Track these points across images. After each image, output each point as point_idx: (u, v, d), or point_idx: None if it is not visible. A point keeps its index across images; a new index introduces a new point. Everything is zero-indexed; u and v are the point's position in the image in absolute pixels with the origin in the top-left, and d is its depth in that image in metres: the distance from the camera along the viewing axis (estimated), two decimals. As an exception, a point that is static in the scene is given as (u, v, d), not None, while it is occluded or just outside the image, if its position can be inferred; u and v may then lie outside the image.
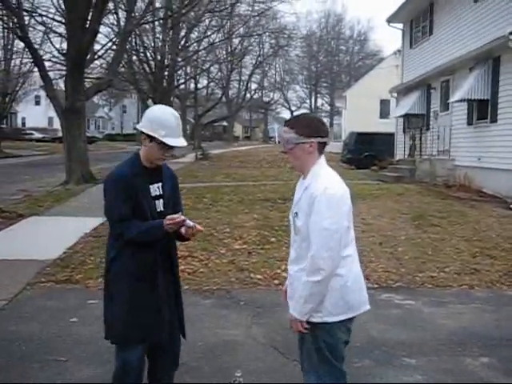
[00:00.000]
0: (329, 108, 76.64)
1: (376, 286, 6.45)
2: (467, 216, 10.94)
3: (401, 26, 22.86)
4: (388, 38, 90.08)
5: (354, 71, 72.06)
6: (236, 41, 44.64)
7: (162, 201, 3.31)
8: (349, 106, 42.32)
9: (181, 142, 3.23)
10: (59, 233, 9.22)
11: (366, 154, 24.44)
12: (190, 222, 3.13)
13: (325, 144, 2.90)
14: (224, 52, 47.60)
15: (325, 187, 2.73)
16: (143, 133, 3.22)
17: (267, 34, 41.75)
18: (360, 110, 37.90)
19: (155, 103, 34.21)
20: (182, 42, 34.25)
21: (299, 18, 76.23)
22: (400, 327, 5.18)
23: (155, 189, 3.29)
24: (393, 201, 12.73)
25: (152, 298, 3.21)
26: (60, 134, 38.93)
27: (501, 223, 10.37)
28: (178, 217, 3.11)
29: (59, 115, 17.75)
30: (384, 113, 37.12)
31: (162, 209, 3.30)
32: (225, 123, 70.98)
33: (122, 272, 3.21)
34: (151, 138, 3.19)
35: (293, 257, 2.94)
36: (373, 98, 37.75)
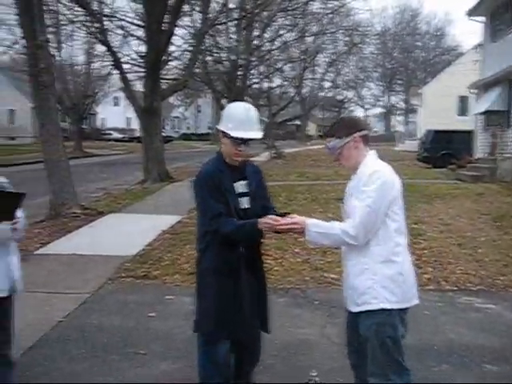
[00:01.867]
0: (404, 106, 74.99)
1: (455, 288, 6.26)
2: (553, 217, 10.42)
3: (482, 18, 22.02)
4: (467, 32, 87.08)
5: (431, 67, 70.08)
6: (309, 39, 44.46)
7: (247, 198, 3.32)
8: (425, 104, 41.23)
9: (250, 134, 3.20)
10: (137, 230, 9.50)
11: (443, 152, 23.76)
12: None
13: (366, 136, 3.02)
14: (297, 51, 47.53)
15: (373, 171, 2.87)
16: (219, 130, 3.28)
17: (341, 31, 41.29)
18: (437, 108, 36.85)
19: (229, 103, 34.66)
20: (256, 42, 34.44)
21: (374, 14, 74.56)
22: (480, 331, 5.00)
23: (240, 186, 3.31)
24: (472, 201, 12.32)
25: (236, 295, 3.26)
26: (137, 134, 40.07)
27: None
28: (277, 221, 3.05)
29: (138, 116, 18.30)
30: (462, 110, 35.97)
31: (248, 206, 3.31)
32: (298, 122, 70.83)
33: (209, 268, 3.29)
34: (224, 134, 3.23)
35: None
36: (450, 95, 36.63)
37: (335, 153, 3.03)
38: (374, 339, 2.88)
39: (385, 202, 2.83)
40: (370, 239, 2.87)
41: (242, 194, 3.31)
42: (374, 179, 2.84)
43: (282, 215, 3.11)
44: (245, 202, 3.31)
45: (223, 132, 3.23)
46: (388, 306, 2.84)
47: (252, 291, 3.34)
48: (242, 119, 3.21)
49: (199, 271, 3.39)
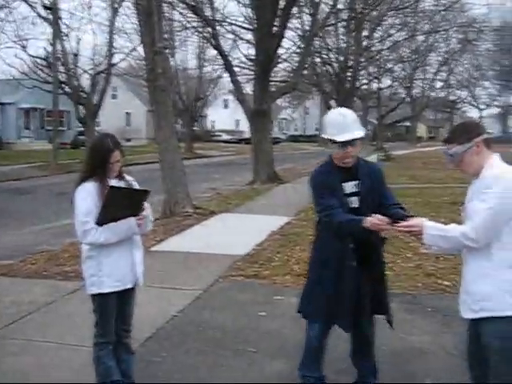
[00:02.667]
0: (523, 105, 70.83)
1: None
2: None
3: None
4: None
5: (555, 64, 65.71)
6: (420, 38, 43.16)
7: (357, 198, 3.57)
8: (547, 103, 38.75)
9: (351, 135, 3.44)
10: (247, 229, 9.69)
11: None
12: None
13: (488, 139, 2.91)
14: (408, 50, 46.31)
15: (498, 173, 2.77)
16: (325, 138, 3.58)
17: (454, 28, 39.74)
18: (561, 107, 34.49)
19: (338, 104, 34.44)
20: (365, 42, 33.96)
21: (491, 8, 71.06)
22: None
23: (349, 186, 3.56)
24: None
25: (336, 285, 3.55)
26: (246, 136, 40.84)
27: None
28: (383, 221, 3.24)
29: (247, 117, 18.66)
30: None
31: (357, 205, 3.55)
32: (407, 123, 69.02)
33: (316, 257, 3.73)
34: (331, 141, 3.50)
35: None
36: None
37: (457, 160, 2.93)
38: (497, 349, 2.74)
39: (510, 204, 2.71)
40: (492, 243, 2.75)
41: (352, 194, 3.56)
42: (499, 181, 2.74)
43: (404, 218, 3.16)
44: (354, 202, 3.56)
45: (329, 139, 3.51)
46: (509, 314, 2.70)
47: (361, 284, 3.55)
48: (341, 123, 3.48)
49: (309, 260, 3.84)
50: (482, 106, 76.98)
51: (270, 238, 8.86)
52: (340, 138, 3.43)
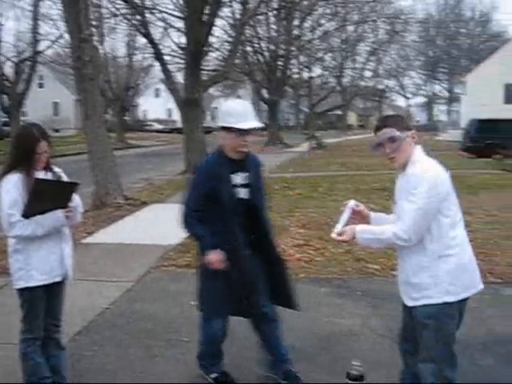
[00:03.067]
0: (447, 94, 73.53)
1: (500, 280, 6.12)
2: None
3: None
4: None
5: (475, 55, 68.39)
6: (350, 28, 43.98)
7: (247, 189, 3.63)
8: (469, 92, 40.31)
9: (251, 124, 3.51)
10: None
11: (488, 142, 23.17)
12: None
13: (415, 134, 3.03)
14: (338, 40, 47.08)
15: (422, 172, 2.85)
16: (221, 127, 3.59)
17: (382, 19, 40.70)
18: (482, 96, 35.95)
19: (269, 93, 34.66)
20: (296, 32, 34.28)
21: (416, 1, 73.30)
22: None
23: (239, 178, 3.61)
24: (520, 191, 12.03)
25: (233, 276, 3.57)
26: (178, 125, 40.48)
27: None
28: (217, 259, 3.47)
29: (179, 107, 18.46)
30: (509, 98, 35.03)
31: (247, 197, 3.63)
32: (338, 112, 70.28)
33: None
34: (228, 130, 3.53)
35: None
36: (496, 83, 35.72)
37: (394, 145, 2.95)
38: (431, 327, 2.92)
39: (436, 201, 2.84)
40: (423, 237, 2.88)
41: (241, 185, 3.61)
42: (424, 181, 2.83)
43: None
44: (243, 193, 3.61)
45: (224, 128, 3.54)
46: (448, 300, 2.89)
47: (258, 272, 3.67)
48: (242, 112, 3.53)
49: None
50: (409, 95, 79.33)
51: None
52: (242, 126, 3.47)
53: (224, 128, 3.56)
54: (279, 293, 3.79)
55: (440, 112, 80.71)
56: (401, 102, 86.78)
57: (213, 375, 3.87)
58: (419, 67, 74.90)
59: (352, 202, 3.21)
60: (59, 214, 3.35)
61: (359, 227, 3.03)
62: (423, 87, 78.14)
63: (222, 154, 3.63)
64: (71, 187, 3.40)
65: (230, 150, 3.59)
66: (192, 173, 3.75)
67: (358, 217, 3.19)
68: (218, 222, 3.57)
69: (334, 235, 3.06)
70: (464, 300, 2.95)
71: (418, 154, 2.99)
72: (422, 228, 2.85)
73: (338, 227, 3.08)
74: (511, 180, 13.93)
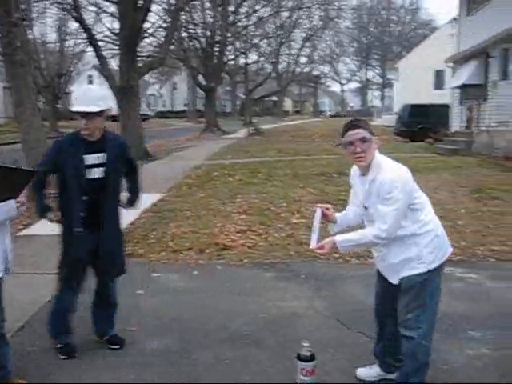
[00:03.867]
0: (380, 80, 75.18)
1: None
2: (529, 188, 10.64)
3: (457, -8, 22.11)
4: (441, 6, 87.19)
5: (406, 42, 70.16)
6: (285, 14, 44.18)
7: (102, 169, 3.87)
8: (401, 78, 41.39)
9: (82, 108, 3.77)
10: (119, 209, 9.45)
11: (420, 126, 23.93)
12: None
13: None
14: (273, 26, 47.21)
15: (391, 176, 3.10)
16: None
17: (316, 6, 41.12)
18: (413, 82, 37.03)
19: (206, 79, 34.44)
20: (232, 18, 34.14)
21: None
22: (463, 300, 5.13)
23: (93, 158, 3.85)
24: (450, 174, 12.51)
25: (72, 250, 3.96)
26: (113, 113, 39.60)
27: None
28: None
29: (114, 94, 18.07)
30: (439, 84, 36.17)
31: (101, 176, 3.87)
32: (275, 98, 70.66)
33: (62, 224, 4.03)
34: (76, 113, 3.82)
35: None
36: (426, 69, 36.78)
37: (365, 145, 3.16)
38: (412, 293, 3.22)
39: (408, 199, 3.13)
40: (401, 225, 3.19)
41: (96, 165, 3.85)
42: (395, 185, 3.08)
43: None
44: (97, 173, 3.85)
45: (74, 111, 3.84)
46: (430, 267, 3.20)
47: (92, 248, 3.95)
48: (81, 97, 3.90)
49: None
50: (344, 81, 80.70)
51: (143, 216, 8.74)
52: (73, 108, 3.82)
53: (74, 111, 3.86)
54: (110, 266, 4.14)
55: (374, 97, 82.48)
56: (335, 87, 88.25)
57: (58, 345, 4.09)
58: (353, 53, 76.25)
59: (319, 211, 3.41)
60: (12, 204, 3.20)
61: (338, 238, 3.25)
62: (357, 73, 79.64)
63: (79, 135, 3.89)
64: (26, 176, 3.22)
65: (82, 132, 3.87)
66: (52, 144, 4.02)
67: (326, 219, 3.47)
68: (64, 197, 3.89)
69: (312, 247, 3.31)
70: (442, 264, 3.29)
71: (380, 157, 3.24)
72: (399, 224, 3.15)
73: (314, 238, 3.29)
74: (442, 163, 14.44)
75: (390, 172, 3.12)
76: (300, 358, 3.46)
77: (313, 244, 3.28)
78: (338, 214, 3.51)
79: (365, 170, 3.24)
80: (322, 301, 5.16)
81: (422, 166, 13.70)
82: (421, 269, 3.19)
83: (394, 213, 3.08)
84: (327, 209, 3.45)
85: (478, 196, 9.91)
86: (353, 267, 6.18)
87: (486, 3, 18.95)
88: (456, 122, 21.02)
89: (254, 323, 4.66)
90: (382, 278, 3.45)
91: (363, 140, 3.15)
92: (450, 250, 3.39)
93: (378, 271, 3.49)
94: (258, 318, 4.77)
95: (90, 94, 3.93)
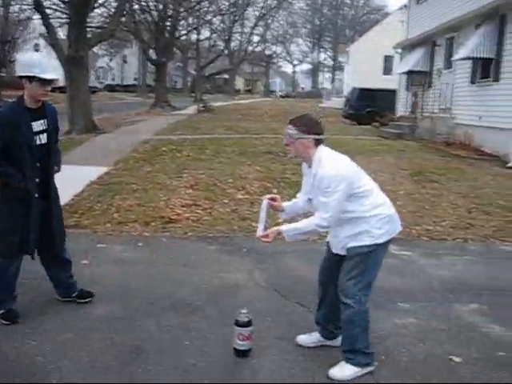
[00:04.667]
0: (331, 63, 75.83)
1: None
2: (465, 173, 11.15)
3: (408, -20, 22.53)
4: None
5: (359, 26, 70.95)
6: (239, -9, 43.87)
7: (45, 135, 4.02)
8: (352, 62, 41.96)
9: (54, 75, 3.92)
10: (65, 180, 9.28)
11: (367, 110, 24.42)
12: None
13: (320, 140, 3.43)
14: (227, 3, 46.84)
15: (330, 170, 3.29)
16: (22, 77, 3.87)
17: (271, -15, 41.01)
18: (363, 66, 37.62)
19: (157, 54, 33.98)
20: (185, -8, 33.69)
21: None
22: (396, 276, 5.42)
23: (38, 125, 3.97)
24: (393, 157, 12.91)
25: (26, 217, 3.98)
26: (61, 84, 38.66)
27: (497, 181, 10.59)
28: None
29: (62, 65, 17.68)
30: (387, 69, 36.86)
31: (45, 141, 4.02)
32: (226, 76, 70.33)
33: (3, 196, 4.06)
34: (30, 79, 3.84)
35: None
36: (376, 54, 37.42)
37: (289, 140, 3.43)
38: (356, 260, 3.43)
39: (347, 190, 3.32)
40: (346, 212, 3.39)
41: (40, 132, 3.99)
42: (334, 179, 3.28)
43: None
44: (42, 139, 4.00)
45: (26, 77, 3.85)
46: (378, 242, 3.42)
47: (43, 214, 4.08)
48: (45, 63, 3.91)
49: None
50: (296, 62, 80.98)
51: (88, 188, 8.72)
52: (47, 76, 3.84)
53: (26, 77, 3.85)
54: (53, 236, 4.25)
55: (325, 80, 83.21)
56: (287, 68, 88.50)
57: (1, 311, 4.15)
58: (306, 35, 76.55)
59: (265, 202, 3.64)
60: None
61: (284, 227, 3.48)
62: (309, 55, 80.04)
63: (21, 103, 3.94)
64: None
65: (30, 99, 3.93)
66: None
67: (274, 209, 3.72)
68: (17, 166, 3.90)
69: (258, 235, 3.55)
70: (390, 240, 3.50)
71: (321, 152, 3.41)
72: (339, 213, 3.35)
73: (260, 227, 3.53)
74: (386, 146, 14.87)
75: (329, 167, 3.31)
76: (237, 323, 3.64)
77: (259, 233, 3.56)
78: (286, 203, 3.75)
79: (310, 163, 3.45)
80: (262, 273, 5.36)
81: (367, 148, 14.09)
82: (368, 241, 3.40)
83: (334, 203, 3.28)
84: (274, 199, 3.71)
85: (417, 179, 10.32)
86: (294, 243, 6.38)
87: (434, -8, 19.42)
88: (402, 107, 21.57)
89: (196, 293, 4.81)
90: (329, 252, 3.68)
91: (288, 135, 3.43)
92: (400, 228, 3.58)
93: (328, 243, 3.71)
94: (201, 289, 4.93)
95: (51, 62, 4.03)
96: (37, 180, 3.98)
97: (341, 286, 3.50)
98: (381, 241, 3.43)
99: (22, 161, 3.90)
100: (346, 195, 3.32)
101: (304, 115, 3.56)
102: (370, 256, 3.43)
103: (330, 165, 3.33)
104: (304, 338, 3.91)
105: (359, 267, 3.43)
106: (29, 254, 4.18)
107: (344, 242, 3.50)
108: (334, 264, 3.63)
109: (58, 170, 4.41)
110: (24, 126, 3.88)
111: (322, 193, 3.33)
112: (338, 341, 3.83)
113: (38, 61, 3.92)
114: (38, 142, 3.96)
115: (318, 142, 3.43)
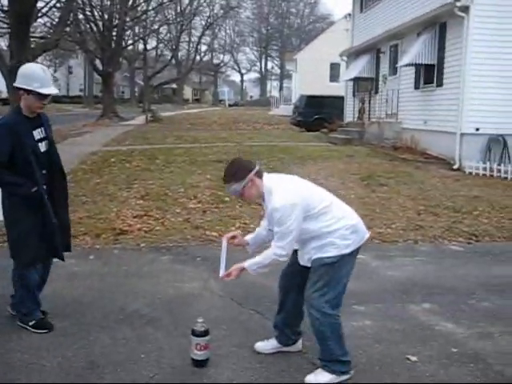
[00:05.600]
0: (279, 71, 76.54)
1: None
2: (413, 176, 11.40)
3: (351, -11, 22.98)
4: (338, 2, 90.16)
5: (305, 34, 71.94)
6: (186, 1, 43.85)
7: (45, 142, 4.17)
8: (299, 69, 42.42)
9: (53, 90, 4.07)
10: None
11: (316, 116, 24.71)
12: None
13: (259, 171, 3.46)
14: (173, 12, 46.72)
15: (280, 202, 3.31)
16: (20, 88, 3.98)
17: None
18: (310, 73, 38.07)
19: (103, 64, 33.51)
20: (131, 2, 33.38)
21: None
22: (350, 279, 5.44)
23: (37, 133, 4.11)
24: (342, 162, 13.08)
25: (41, 223, 4.07)
26: (3, 96, 37.50)
27: (444, 183, 10.88)
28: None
29: (3, 75, 17.20)
30: (334, 76, 37.42)
31: (46, 149, 4.17)
32: (174, 86, 69.96)
33: (12, 203, 4.11)
34: (28, 92, 3.96)
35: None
36: (323, 62, 37.94)
37: (237, 194, 3.52)
38: (321, 270, 3.42)
39: (299, 216, 3.34)
40: (307, 233, 3.43)
41: (41, 140, 4.12)
42: (284, 210, 3.30)
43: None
44: (43, 146, 4.14)
45: (26, 90, 3.95)
46: (345, 252, 3.42)
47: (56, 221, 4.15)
48: (44, 78, 4.01)
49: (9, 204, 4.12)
50: (243, 71, 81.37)
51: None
52: (45, 91, 3.97)
53: (24, 90, 3.97)
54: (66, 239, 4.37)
55: (273, 88, 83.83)
56: (235, 77, 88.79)
57: (31, 322, 4.15)
58: (253, 43, 77.08)
59: (225, 242, 3.65)
60: None
61: (246, 263, 3.52)
62: (257, 63, 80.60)
63: (20, 112, 4.06)
64: None
65: (27, 110, 4.05)
66: None
67: (237, 245, 3.77)
68: (26, 173, 3.97)
69: (221, 276, 3.57)
70: (358, 249, 3.51)
71: (270, 183, 3.44)
72: (295, 238, 3.39)
73: (222, 267, 3.56)
74: (335, 152, 15.06)
75: (278, 197, 3.33)
76: (194, 333, 3.59)
77: (221, 273, 3.57)
78: (249, 236, 3.80)
79: (263, 197, 3.48)
80: (217, 282, 5.29)
81: (317, 154, 14.23)
82: (333, 252, 3.40)
83: (287, 230, 3.32)
84: (234, 237, 3.74)
85: (367, 183, 10.49)
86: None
87: (377, 1, 19.87)
88: (349, 113, 21.91)
89: (151, 304, 4.74)
90: (294, 257, 3.64)
91: (233, 192, 3.49)
92: (367, 235, 3.59)
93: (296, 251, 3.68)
94: (155, 299, 4.85)
95: (49, 76, 4.11)
96: (44, 187, 4.08)
97: (307, 298, 3.49)
98: (347, 251, 3.43)
99: (30, 168, 3.98)
100: (300, 220, 3.34)
101: (230, 166, 3.52)
102: (335, 267, 3.42)
103: (279, 195, 3.35)
104: (261, 345, 3.89)
105: (324, 278, 3.42)
106: (58, 257, 4.28)
107: (310, 254, 3.50)
108: (297, 270, 3.63)
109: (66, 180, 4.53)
110: (26, 134, 4.00)
111: (276, 223, 3.36)
112: (297, 347, 3.84)
113: (39, 75, 3.99)
114: (41, 150, 4.10)
115: (259, 175, 3.45)
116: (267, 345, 3.88)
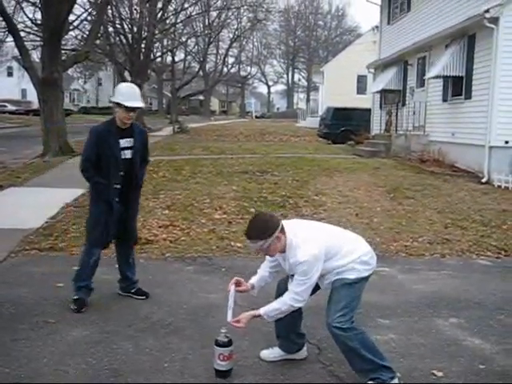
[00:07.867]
0: (306, 83, 76.58)
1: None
2: (440, 189, 11.27)
3: (378, 1, 22.93)
4: (366, 14, 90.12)
5: (332, 47, 71.97)
6: (214, 14, 44.22)
7: (130, 151, 4.80)
8: (326, 81, 42.33)
9: (135, 103, 4.63)
10: (39, 203, 9.28)
11: (342, 128, 24.64)
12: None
13: (283, 227, 3.48)
14: (201, 25, 47.16)
15: (302, 256, 3.39)
16: (113, 102, 4.66)
17: (245, 7, 41.37)
18: (337, 86, 37.95)
19: (132, 76, 33.94)
20: (160, 15, 33.81)
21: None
22: (375, 292, 5.41)
23: (125, 142, 4.75)
24: (369, 174, 13.01)
25: (106, 215, 4.77)
26: (34, 107, 38.26)
27: (472, 196, 10.73)
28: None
29: (36, 87, 17.55)
30: (361, 88, 37.27)
31: (130, 157, 4.80)
32: (201, 97, 70.52)
33: (92, 197, 4.97)
34: (117, 104, 4.62)
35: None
36: (350, 74, 37.80)
37: (263, 251, 3.56)
38: (345, 292, 3.50)
39: (319, 268, 3.46)
40: (326, 275, 3.58)
41: (127, 148, 4.76)
42: (306, 264, 3.39)
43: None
44: (127, 154, 4.77)
45: (116, 103, 4.62)
46: (363, 275, 3.55)
47: (121, 216, 4.86)
48: (128, 93, 4.67)
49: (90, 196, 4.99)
50: (270, 83, 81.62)
51: (64, 211, 8.62)
52: (128, 104, 4.59)
53: (116, 103, 4.62)
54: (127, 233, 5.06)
55: (300, 100, 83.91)
56: (262, 88, 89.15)
57: (76, 296, 4.80)
58: (280, 56, 77.34)
59: (232, 289, 3.76)
60: None
61: (262, 311, 3.61)
62: (283, 75, 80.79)
63: (113, 122, 4.74)
64: None
65: (119, 121, 4.71)
66: (89, 132, 4.79)
67: (243, 291, 3.91)
68: (103, 174, 4.70)
69: (229, 321, 3.62)
70: (371, 274, 3.62)
71: (291, 237, 3.48)
72: (313, 286, 3.49)
73: (230, 312, 3.63)
74: (361, 164, 14.98)
75: (301, 253, 3.40)
76: (217, 343, 3.60)
77: (229, 318, 3.62)
78: (254, 280, 3.90)
79: (284, 250, 3.53)
80: (241, 292, 5.30)
81: (343, 166, 14.18)
82: (353, 275, 3.51)
83: (308, 280, 3.43)
84: (239, 284, 3.86)
85: (393, 195, 10.40)
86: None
87: (404, 13, 19.80)
88: (376, 126, 21.80)
89: (175, 314, 4.76)
90: None
91: (259, 249, 3.53)
92: (375, 263, 3.65)
93: None
94: (180, 309, 4.87)
95: (136, 91, 4.71)
96: (118, 186, 4.73)
97: (332, 322, 3.47)
98: (365, 274, 3.56)
99: (108, 170, 4.69)
100: (317, 275, 3.46)
101: (255, 222, 3.52)
102: (355, 287, 3.51)
103: (302, 250, 3.41)
104: (266, 353, 3.96)
105: (346, 299, 3.48)
106: (105, 244, 4.96)
107: (329, 280, 3.58)
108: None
109: (140, 185, 5.07)
110: (113, 141, 4.67)
111: (298, 274, 3.44)
112: (302, 354, 3.92)
113: (126, 90, 4.70)
114: (123, 157, 4.73)
115: (282, 230, 3.48)
116: (272, 353, 3.95)
